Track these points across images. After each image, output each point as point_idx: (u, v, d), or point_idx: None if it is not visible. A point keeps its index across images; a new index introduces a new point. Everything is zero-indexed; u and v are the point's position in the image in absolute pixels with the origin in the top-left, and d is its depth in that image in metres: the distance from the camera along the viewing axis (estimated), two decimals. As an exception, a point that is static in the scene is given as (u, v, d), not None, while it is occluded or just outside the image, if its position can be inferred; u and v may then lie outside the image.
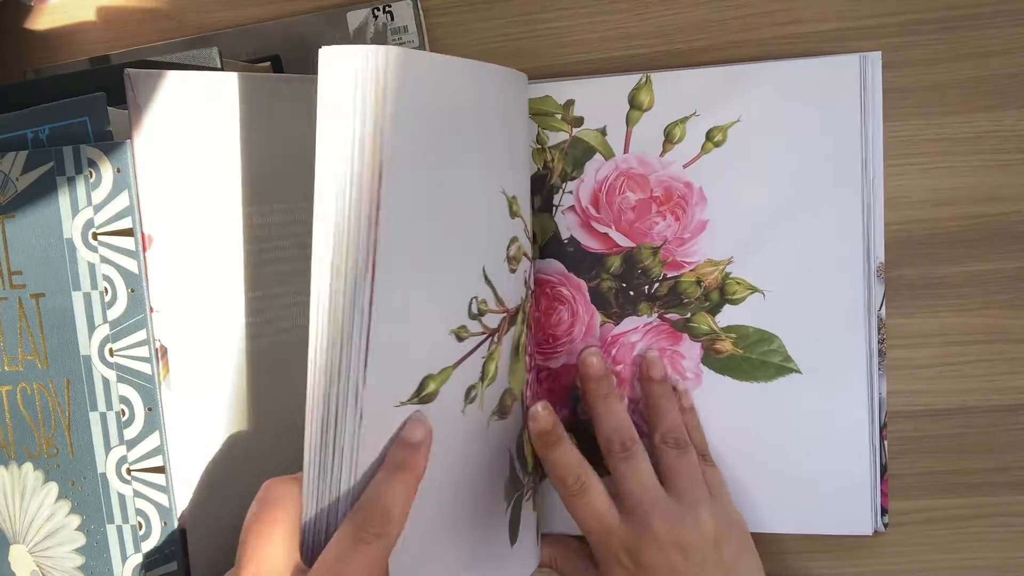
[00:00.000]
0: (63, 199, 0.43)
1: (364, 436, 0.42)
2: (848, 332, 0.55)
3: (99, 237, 0.43)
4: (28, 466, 0.45)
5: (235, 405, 0.47)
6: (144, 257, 0.44)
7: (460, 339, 0.47)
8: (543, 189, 0.57)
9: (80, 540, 0.45)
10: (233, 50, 0.59)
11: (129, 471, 0.44)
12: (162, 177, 0.44)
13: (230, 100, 0.46)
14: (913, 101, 0.56)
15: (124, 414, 0.44)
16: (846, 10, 0.56)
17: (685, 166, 0.56)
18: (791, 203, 0.55)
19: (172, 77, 0.44)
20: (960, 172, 0.56)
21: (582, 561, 0.57)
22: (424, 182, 0.43)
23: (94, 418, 0.44)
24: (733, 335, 0.56)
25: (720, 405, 0.57)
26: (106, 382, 0.44)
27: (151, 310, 0.44)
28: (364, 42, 0.58)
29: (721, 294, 0.56)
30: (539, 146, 0.57)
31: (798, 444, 0.56)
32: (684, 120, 0.55)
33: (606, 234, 0.57)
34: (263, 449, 0.48)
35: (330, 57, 0.39)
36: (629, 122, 0.56)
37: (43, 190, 0.43)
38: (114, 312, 0.44)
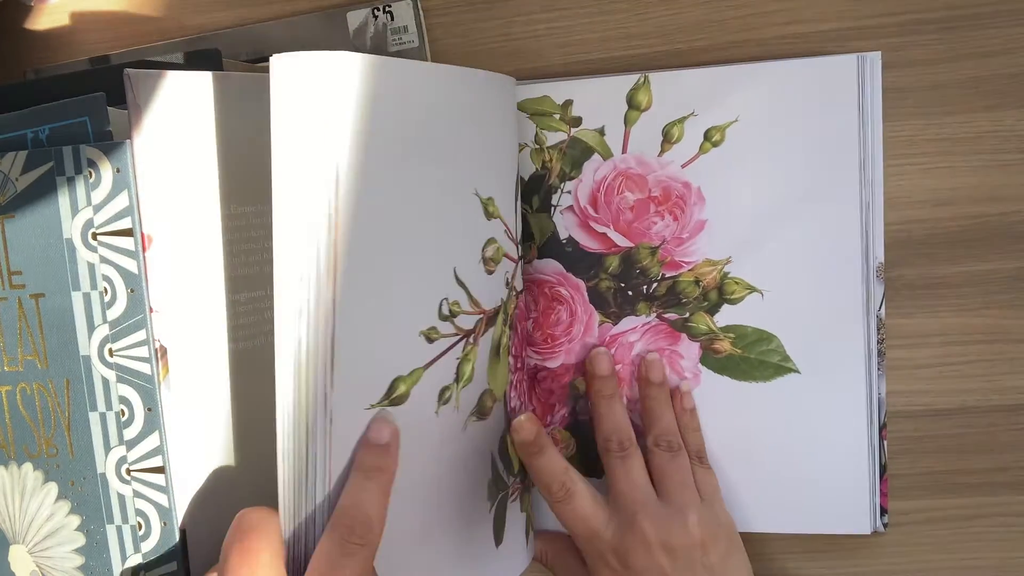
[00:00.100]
0: (63, 199, 0.43)
1: (335, 439, 0.42)
2: (847, 332, 0.55)
3: (99, 237, 0.43)
4: (28, 466, 0.45)
5: (235, 405, 0.47)
6: (144, 257, 0.44)
7: (430, 340, 0.47)
8: (541, 189, 0.57)
9: (80, 540, 0.45)
10: (233, 50, 0.59)
11: (129, 471, 0.44)
12: (162, 177, 0.44)
13: (229, 100, 0.46)
14: (913, 101, 0.56)
15: (124, 414, 0.44)
16: (846, 10, 0.56)
17: (683, 166, 0.56)
18: (789, 203, 0.55)
19: (172, 77, 0.44)
20: (960, 172, 0.56)
21: (574, 559, 0.57)
22: (385, 185, 0.43)
23: (94, 418, 0.44)
24: (732, 335, 0.56)
25: (718, 405, 0.57)
26: (106, 382, 0.44)
27: (151, 310, 0.44)
28: (364, 42, 0.58)
29: (719, 294, 0.56)
30: (537, 146, 0.57)
31: (796, 444, 0.56)
32: (682, 120, 0.55)
33: (604, 234, 0.57)
34: (263, 449, 0.48)
35: (281, 64, 0.40)
36: (627, 122, 0.56)
37: (43, 190, 0.43)
38: (114, 312, 0.44)
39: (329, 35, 0.58)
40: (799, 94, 0.54)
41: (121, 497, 0.45)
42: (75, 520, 0.45)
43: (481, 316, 0.51)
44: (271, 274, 0.41)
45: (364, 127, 0.42)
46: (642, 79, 0.56)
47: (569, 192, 0.57)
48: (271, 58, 0.40)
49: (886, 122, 0.55)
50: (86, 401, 0.44)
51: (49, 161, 0.43)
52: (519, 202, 0.55)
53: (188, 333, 0.45)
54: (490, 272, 0.51)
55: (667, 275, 0.57)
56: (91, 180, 0.43)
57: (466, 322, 0.50)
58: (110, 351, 0.44)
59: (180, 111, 0.45)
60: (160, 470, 0.44)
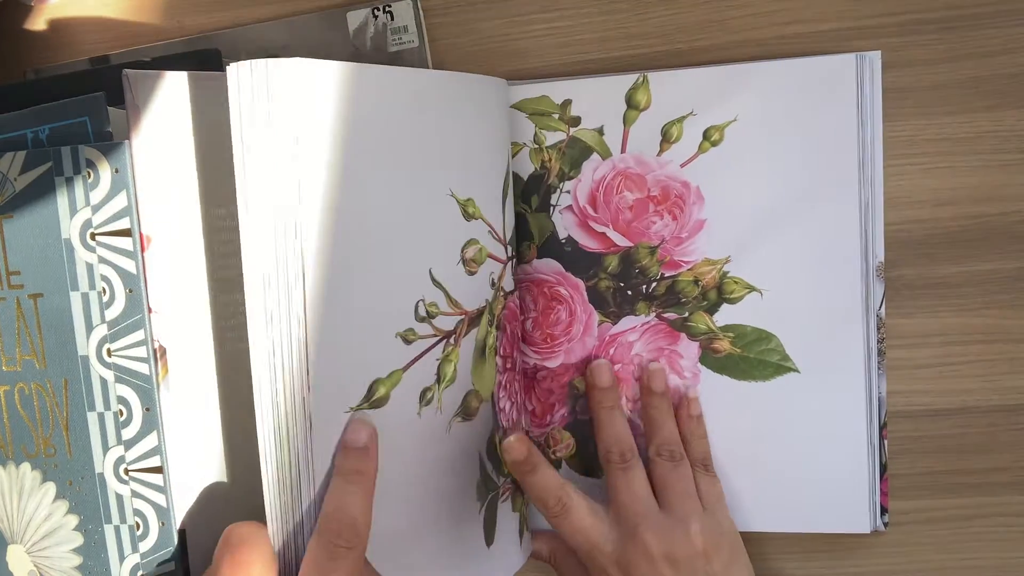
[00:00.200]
0: (61, 199, 0.43)
1: (316, 443, 0.42)
2: (846, 331, 0.55)
3: (97, 237, 0.43)
4: (26, 466, 0.45)
5: (234, 405, 0.47)
6: (142, 258, 0.44)
7: (408, 342, 0.47)
8: (540, 189, 0.57)
9: (78, 540, 0.45)
10: (233, 50, 0.59)
11: (127, 471, 0.44)
12: (161, 178, 0.44)
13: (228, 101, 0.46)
14: (913, 101, 0.56)
15: (122, 414, 0.44)
16: (846, 10, 0.55)
17: (682, 165, 0.56)
18: (788, 202, 0.55)
19: (171, 78, 0.45)
20: (960, 172, 0.56)
21: (580, 559, 0.57)
22: (352, 189, 0.43)
23: (92, 418, 0.44)
24: (731, 334, 0.56)
25: (718, 404, 0.57)
26: (104, 382, 0.44)
27: (149, 310, 0.44)
28: (364, 42, 0.58)
29: (719, 293, 0.56)
30: (536, 146, 0.57)
31: (796, 443, 0.56)
32: (681, 120, 0.55)
33: (604, 233, 0.57)
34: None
35: (238, 73, 0.40)
36: (626, 122, 0.56)
37: (41, 190, 0.44)
38: (112, 312, 0.44)
39: (329, 35, 0.58)
40: (798, 93, 0.54)
41: (119, 497, 0.45)
42: (73, 520, 0.45)
43: (462, 317, 0.51)
44: None
45: (327, 132, 0.42)
46: (641, 79, 0.56)
47: (568, 192, 0.57)
48: (228, 67, 0.40)
49: (886, 122, 0.55)
50: (84, 401, 0.44)
51: (48, 161, 0.43)
52: (508, 203, 0.55)
53: (187, 334, 0.46)
54: (471, 273, 0.51)
55: (666, 275, 0.57)
56: (90, 180, 0.43)
57: (446, 323, 0.50)
58: (108, 351, 0.44)
59: (179, 112, 0.45)
60: (158, 470, 0.44)
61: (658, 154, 0.56)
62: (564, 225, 0.57)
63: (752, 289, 0.56)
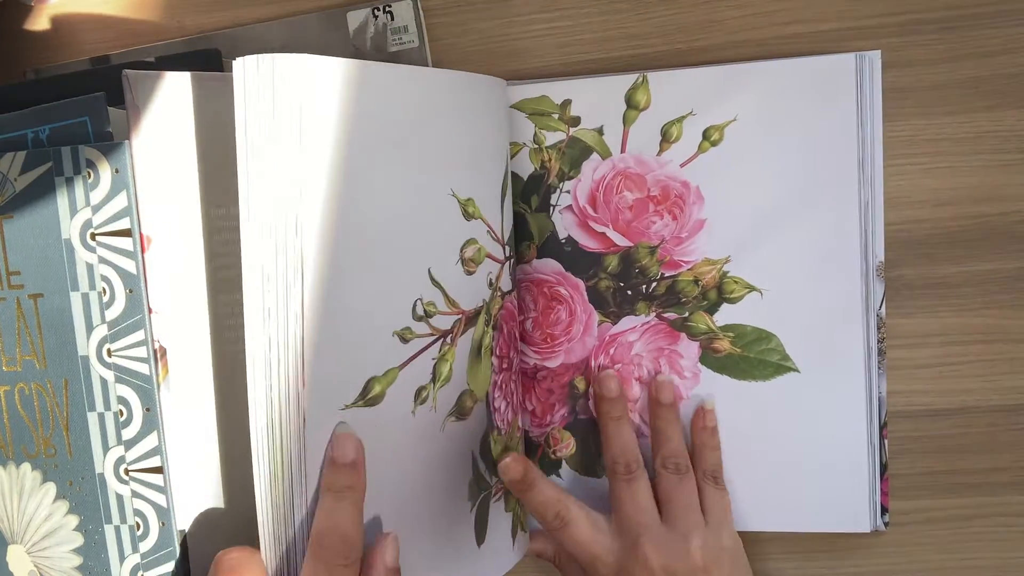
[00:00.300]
0: (61, 199, 0.43)
1: (310, 440, 0.42)
2: (846, 330, 0.55)
3: (97, 237, 0.43)
4: (26, 466, 0.45)
5: (233, 405, 0.47)
6: (143, 258, 0.44)
7: (405, 340, 0.47)
8: (540, 189, 0.57)
9: (78, 540, 0.45)
10: (233, 50, 0.59)
11: (127, 471, 0.44)
12: (161, 178, 0.44)
13: (229, 101, 0.46)
14: (913, 101, 0.56)
15: (122, 414, 0.44)
16: (846, 10, 0.55)
17: (682, 165, 0.56)
18: (788, 202, 0.55)
19: (171, 78, 0.45)
20: (960, 172, 0.56)
21: None
22: (353, 187, 0.43)
23: (92, 418, 0.44)
24: (731, 334, 0.56)
25: (718, 404, 0.57)
26: (104, 382, 0.44)
27: (150, 311, 0.44)
28: (364, 42, 0.58)
29: (719, 293, 0.56)
30: (536, 146, 0.57)
31: (796, 443, 0.56)
32: (681, 119, 0.55)
33: (603, 233, 0.57)
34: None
35: (245, 67, 0.41)
36: (626, 121, 0.56)
37: (41, 190, 0.44)
38: (112, 312, 0.44)
39: (329, 35, 0.58)
40: (798, 93, 0.54)
41: (119, 497, 0.45)
42: (73, 520, 0.45)
43: (459, 316, 0.51)
44: None
45: (331, 128, 0.42)
46: (640, 79, 0.56)
47: (568, 192, 0.57)
48: (234, 62, 0.40)
49: (886, 122, 0.55)
50: (84, 401, 0.44)
51: (48, 161, 0.43)
52: (506, 203, 0.55)
53: (188, 334, 0.46)
54: (470, 272, 0.51)
55: (666, 274, 0.57)
56: (90, 180, 0.43)
57: (443, 322, 0.50)
58: (108, 351, 0.44)
59: (179, 112, 0.45)
60: (159, 470, 0.44)
61: (658, 154, 0.56)
62: (564, 225, 0.57)
63: (752, 289, 0.56)
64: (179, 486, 0.45)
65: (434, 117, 0.49)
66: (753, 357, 0.56)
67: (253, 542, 0.43)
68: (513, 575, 0.60)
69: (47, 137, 0.44)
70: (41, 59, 0.61)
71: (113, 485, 0.45)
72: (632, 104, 0.56)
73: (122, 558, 0.45)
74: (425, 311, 0.49)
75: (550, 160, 0.57)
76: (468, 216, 0.51)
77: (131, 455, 0.44)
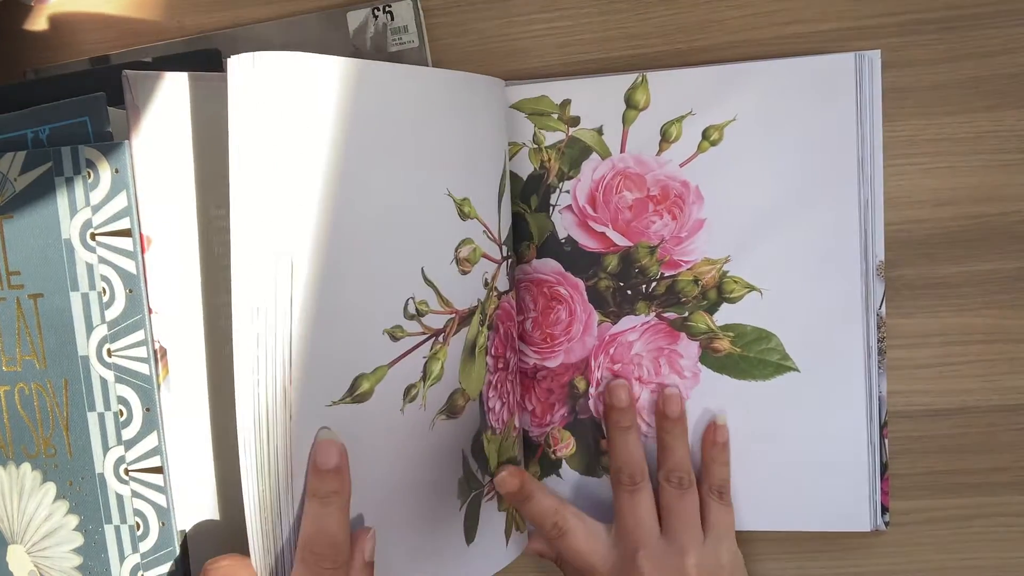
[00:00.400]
0: (61, 199, 0.43)
1: (296, 437, 0.42)
2: (846, 330, 0.55)
3: (97, 237, 0.43)
4: (26, 466, 0.45)
5: (232, 405, 0.47)
6: (143, 258, 0.44)
7: (395, 339, 0.47)
8: (540, 189, 0.57)
9: (78, 540, 0.45)
10: (233, 50, 0.59)
11: (127, 471, 0.44)
12: (161, 178, 0.44)
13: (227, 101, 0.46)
14: (913, 101, 0.56)
15: (122, 414, 0.44)
16: (846, 10, 0.55)
17: (682, 165, 0.56)
18: (788, 201, 0.55)
19: (171, 78, 0.45)
20: (960, 172, 0.56)
21: None
22: (346, 185, 0.44)
23: (92, 418, 0.44)
24: (731, 334, 0.56)
25: (718, 404, 0.57)
26: (104, 382, 0.44)
27: (150, 311, 0.44)
28: (364, 42, 0.58)
29: (719, 293, 0.56)
30: (535, 146, 0.57)
31: (796, 442, 0.56)
32: (680, 119, 0.55)
33: (603, 233, 0.57)
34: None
35: (240, 65, 0.41)
36: (625, 121, 0.56)
37: (41, 190, 0.44)
38: (112, 312, 0.44)
39: (329, 35, 0.58)
40: (797, 92, 0.54)
41: (119, 497, 0.45)
42: (73, 520, 0.45)
43: (453, 316, 0.51)
44: None
45: (325, 126, 0.43)
46: (640, 78, 0.56)
47: (568, 191, 0.57)
48: (229, 60, 0.41)
49: (886, 122, 0.55)
50: (84, 401, 0.44)
51: (48, 161, 0.43)
52: (503, 203, 0.55)
53: (188, 334, 0.46)
54: (464, 272, 0.52)
55: (666, 274, 0.57)
56: (89, 180, 0.43)
57: (435, 321, 0.50)
58: (108, 351, 0.44)
59: (179, 112, 0.45)
60: (158, 470, 0.44)
61: (657, 154, 0.56)
62: (564, 225, 0.57)
63: (752, 288, 0.56)
64: (179, 486, 0.45)
65: (430, 117, 0.49)
66: (753, 357, 0.56)
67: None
68: (513, 575, 0.60)
69: (47, 137, 0.44)
70: (41, 59, 0.61)
71: (113, 485, 0.45)
72: (631, 104, 0.56)
73: (122, 558, 0.45)
74: (417, 310, 0.49)
75: (550, 160, 0.57)
76: (464, 216, 0.51)
77: (131, 455, 0.44)
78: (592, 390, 0.58)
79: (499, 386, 0.56)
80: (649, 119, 0.56)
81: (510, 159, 0.57)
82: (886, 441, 0.56)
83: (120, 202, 0.43)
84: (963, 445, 0.57)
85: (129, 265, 0.44)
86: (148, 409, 0.44)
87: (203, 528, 0.46)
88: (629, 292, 0.57)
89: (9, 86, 0.58)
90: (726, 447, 0.56)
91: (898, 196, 0.56)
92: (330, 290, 0.43)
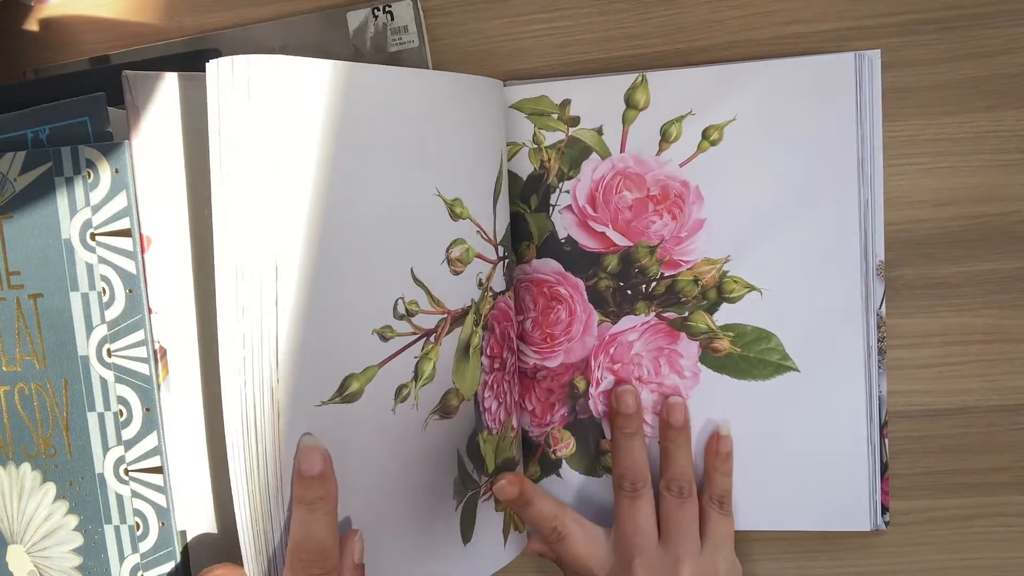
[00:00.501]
0: (61, 199, 0.44)
1: (285, 436, 0.43)
2: (846, 330, 0.55)
3: (97, 237, 0.43)
4: (26, 466, 0.45)
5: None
6: (142, 258, 0.44)
7: (385, 339, 0.48)
8: (540, 189, 0.57)
9: (78, 540, 0.45)
10: (233, 50, 0.59)
11: (127, 471, 0.44)
12: (161, 179, 0.44)
13: None
14: (913, 101, 0.56)
15: (122, 414, 0.44)
16: (846, 10, 0.55)
17: (682, 165, 0.56)
18: (788, 201, 0.55)
19: (170, 79, 0.45)
20: (960, 172, 0.56)
21: None
22: (330, 186, 0.44)
23: (92, 418, 0.44)
24: (731, 333, 0.56)
25: (718, 404, 0.57)
26: (104, 382, 0.44)
27: (150, 311, 0.44)
28: (364, 42, 0.58)
29: (719, 292, 0.56)
30: (535, 146, 0.57)
31: (796, 442, 0.56)
32: (680, 119, 0.55)
33: (603, 233, 0.57)
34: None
35: (218, 68, 0.41)
36: (625, 121, 0.56)
37: (41, 190, 0.44)
38: (112, 312, 0.44)
39: (329, 35, 0.58)
40: (797, 92, 0.54)
41: (119, 497, 0.45)
42: (73, 520, 0.45)
43: (444, 316, 0.51)
44: None
45: (306, 129, 0.43)
46: (640, 78, 0.56)
47: (567, 191, 0.57)
48: (208, 64, 0.41)
49: (886, 122, 0.55)
50: (84, 401, 0.44)
51: (48, 161, 0.43)
52: (499, 203, 0.55)
53: (188, 335, 0.46)
54: (457, 272, 0.52)
55: (666, 274, 0.57)
56: (89, 180, 0.43)
57: (426, 321, 0.50)
58: (108, 351, 0.44)
59: (179, 113, 0.45)
60: (158, 470, 0.44)
61: (657, 153, 0.56)
62: (563, 225, 0.57)
63: (752, 288, 0.56)
64: (179, 486, 0.45)
65: (418, 118, 0.49)
66: (753, 356, 0.56)
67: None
68: (514, 575, 0.60)
69: (47, 137, 0.44)
70: (41, 59, 0.61)
71: (113, 485, 0.45)
72: (631, 104, 0.56)
73: (122, 558, 0.45)
74: (407, 310, 0.49)
75: (549, 160, 0.57)
76: (455, 216, 0.51)
77: (131, 455, 0.44)
78: (592, 390, 0.58)
79: (495, 386, 0.56)
80: (649, 119, 0.56)
81: (510, 159, 0.57)
82: (886, 441, 0.56)
83: (120, 202, 0.43)
84: (963, 445, 0.57)
85: (129, 265, 0.44)
86: (148, 409, 0.44)
87: (204, 539, 0.46)
88: (629, 292, 0.57)
89: (9, 86, 0.58)
90: (729, 457, 0.56)
91: (898, 196, 0.56)
92: (317, 291, 0.43)
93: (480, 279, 0.53)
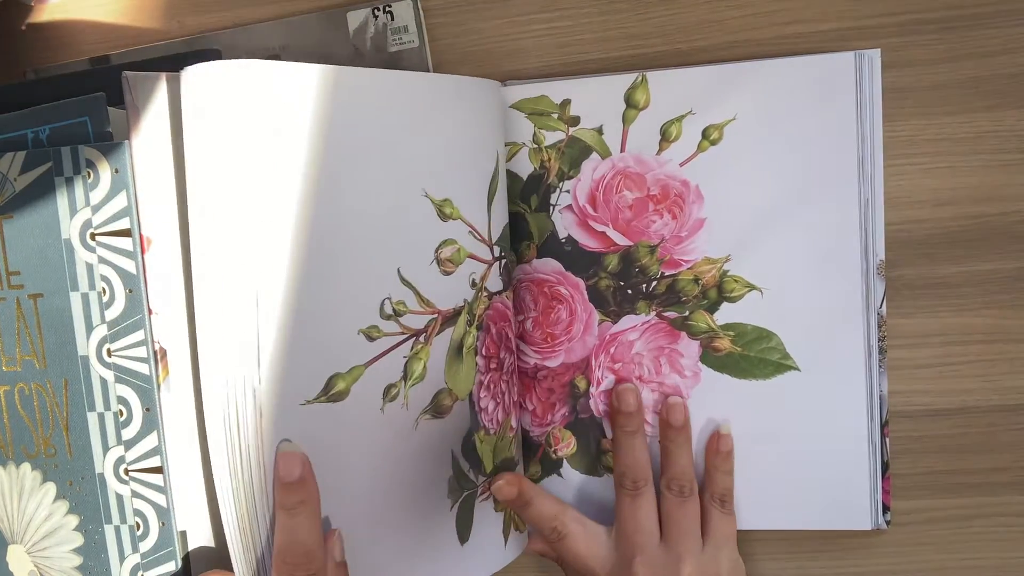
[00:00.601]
0: (61, 199, 0.43)
1: (268, 436, 0.43)
2: (847, 329, 0.55)
3: (97, 237, 0.43)
4: (26, 466, 0.45)
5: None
6: (143, 258, 0.44)
7: (371, 339, 0.48)
8: (540, 188, 0.57)
9: (78, 540, 0.45)
10: (233, 50, 0.59)
11: (127, 471, 0.44)
12: (161, 180, 0.44)
13: None
14: (913, 101, 0.56)
15: (122, 414, 0.44)
16: (846, 10, 0.55)
17: (682, 164, 0.56)
18: (788, 200, 0.55)
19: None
20: (960, 172, 0.56)
21: None
22: (309, 189, 0.44)
23: (92, 418, 0.44)
24: (731, 333, 0.56)
25: (719, 403, 0.57)
26: (104, 382, 0.44)
27: (150, 312, 0.44)
28: (364, 42, 0.58)
29: (719, 292, 0.56)
30: (535, 145, 0.57)
31: (796, 441, 0.56)
32: (680, 118, 0.55)
33: (603, 233, 0.57)
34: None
35: (194, 75, 0.41)
36: (625, 121, 0.56)
37: (41, 190, 0.44)
38: (112, 312, 0.44)
39: (329, 35, 0.58)
40: (797, 92, 0.54)
41: (119, 497, 0.45)
42: (73, 520, 0.45)
43: (435, 316, 0.51)
44: None
45: (285, 132, 0.43)
46: (640, 78, 0.56)
47: (568, 191, 0.57)
48: (182, 72, 0.41)
49: (886, 122, 0.55)
50: (84, 401, 0.44)
51: (47, 161, 0.43)
52: (495, 204, 0.55)
53: (187, 335, 0.46)
54: (447, 273, 0.52)
55: (666, 273, 0.57)
56: (89, 180, 0.43)
57: (415, 321, 0.50)
58: (108, 351, 0.44)
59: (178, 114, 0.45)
60: (158, 470, 0.44)
61: (657, 153, 0.56)
62: (564, 224, 0.57)
63: (752, 288, 0.56)
64: (179, 486, 0.45)
65: (403, 120, 0.49)
66: (753, 356, 0.56)
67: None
68: (515, 575, 0.60)
69: (47, 137, 0.44)
70: (41, 59, 0.61)
71: (113, 485, 0.45)
72: (631, 103, 0.56)
73: (122, 558, 0.45)
74: (394, 310, 0.49)
75: (549, 160, 0.57)
76: (444, 217, 0.51)
77: (131, 455, 0.44)
78: (593, 389, 0.58)
79: (492, 386, 0.56)
80: (649, 118, 0.56)
81: (510, 159, 0.57)
82: (887, 440, 0.56)
83: (120, 202, 0.43)
84: (963, 445, 0.57)
85: (129, 265, 0.44)
86: (148, 409, 0.44)
87: (202, 526, 0.46)
88: (629, 291, 0.57)
89: (9, 86, 0.58)
90: (730, 456, 0.56)
91: (898, 196, 0.56)
92: (298, 291, 0.44)
93: (474, 279, 0.53)
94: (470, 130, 0.53)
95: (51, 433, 0.45)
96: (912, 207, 0.56)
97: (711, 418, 0.57)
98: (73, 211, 0.43)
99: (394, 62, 0.57)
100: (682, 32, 0.57)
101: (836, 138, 0.54)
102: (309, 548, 0.43)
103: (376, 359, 0.48)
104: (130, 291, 0.44)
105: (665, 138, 0.56)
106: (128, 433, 0.44)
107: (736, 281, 0.56)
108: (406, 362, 0.50)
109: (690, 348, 0.57)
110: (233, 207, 0.42)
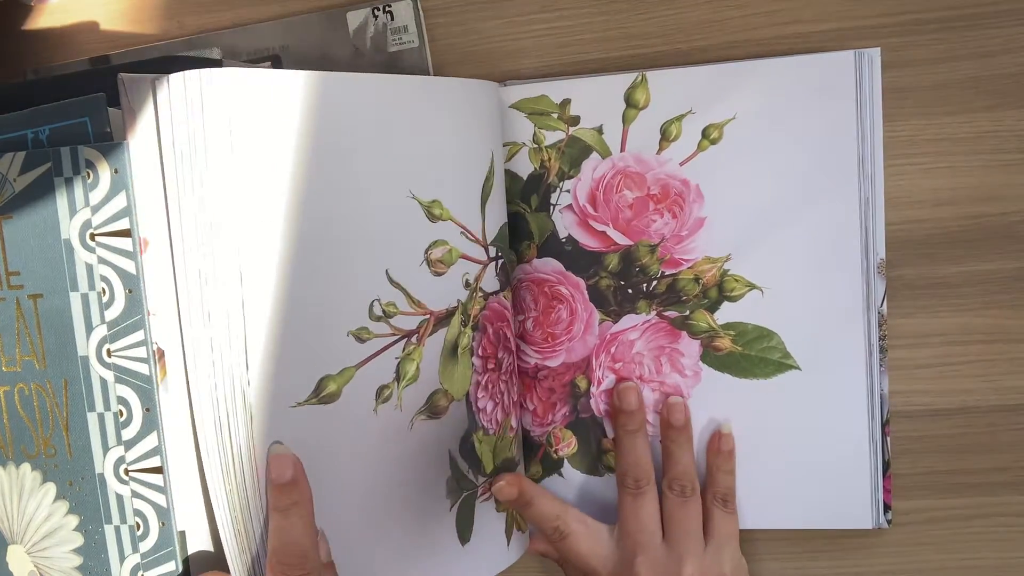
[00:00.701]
0: (61, 200, 0.43)
1: (260, 437, 0.43)
2: (847, 328, 0.55)
3: (96, 238, 0.43)
4: (26, 466, 0.45)
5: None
6: (142, 258, 0.44)
7: (361, 340, 0.48)
8: (540, 188, 0.57)
9: (78, 540, 0.45)
10: (233, 50, 0.59)
11: (127, 471, 0.44)
12: (156, 181, 0.44)
13: None
14: (913, 101, 0.56)
15: (122, 414, 0.44)
16: (846, 10, 0.55)
17: (682, 164, 0.56)
18: (788, 199, 0.55)
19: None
20: (960, 172, 0.56)
21: None
22: (293, 193, 0.44)
23: (92, 418, 0.44)
24: (732, 332, 0.56)
25: (720, 402, 0.57)
26: (104, 382, 0.44)
27: (148, 312, 0.44)
28: (364, 42, 0.58)
29: (719, 291, 0.56)
30: (536, 145, 0.57)
31: (797, 440, 0.56)
32: (680, 118, 0.55)
33: (604, 232, 0.57)
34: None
35: (178, 82, 0.42)
36: (625, 120, 0.56)
37: (41, 191, 0.44)
38: (112, 313, 0.44)
39: (329, 35, 0.58)
40: (797, 91, 0.54)
41: (119, 497, 0.45)
42: (73, 520, 0.45)
43: (427, 317, 0.51)
44: None
45: (271, 138, 0.44)
46: (639, 78, 0.56)
47: (568, 191, 0.57)
48: (168, 77, 0.42)
49: (886, 122, 0.55)
50: (84, 401, 0.44)
51: (47, 162, 0.43)
52: (489, 204, 0.55)
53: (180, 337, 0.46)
54: (438, 273, 0.52)
55: (667, 273, 0.57)
56: (89, 181, 0.43)
57: (406, 322, 0.50)
58: (108, 351, 0.44)
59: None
60: (158, 470, 0.44)
61: (657, 152, 0.56)
62: (564, 224, 0.57)
63: (753, 287, 0.56)
64: (179, 486, 0.45)
65: (392, 123, 0.49)
66: (754, 355, 0.56)
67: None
68: (515, 574, 0.60)
69: (47, 137, 0.44)
70: (41, 59, 0.61)
71: (113, 485, 0.45)
72: (631, 103, 0.56)
73: (122, 558, 0.45)
74: (384, 311, 0.49)
75: (550, 159, 0.57)
76: (433, 218, 0.51)
77: (131, 455, 0.44)
78: (594, 389, 0.58)
79: (490, 387, 0.56)
80: (649, 118, 0.56)
81: (510, 159, 0.57)
82: (888, 439, 0.56)
83: (120, 202, 0.43)
84: (963, 445, 0.57)
85: (129, 265, 0.43)
86: (148, 409, 0.44)
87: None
88: (630, 291, 0.57)
89: (9, 86, 0.58)
90: (731, 455, 0.56)
91: (898, 196, 0.56)
92: (285, 294, 0.44)
93: (467, 280, 0.53)
94: (461, 131, 0.53)
95: (51, 433, 0.45)
96: (912, 207, 0.56)
97: (712, 417, 0.57)
98: (73, 211, 0.43)
99: (394, 62, 0.57)
100: (682, 32, 0.57)
101: (836, 137, 0.54)
102: (303, 549, 0.43)
103: (367, 360, 0.48)
104: (130, 291, 0.44)
105: (665, 137, 0.56)
106: (128, 433, 0.44)
107: (736, 280, 0.56)
108: (398, 363, 0.50)
109: (691, 347, 0.57)
110: (219, 211, 0.42)
